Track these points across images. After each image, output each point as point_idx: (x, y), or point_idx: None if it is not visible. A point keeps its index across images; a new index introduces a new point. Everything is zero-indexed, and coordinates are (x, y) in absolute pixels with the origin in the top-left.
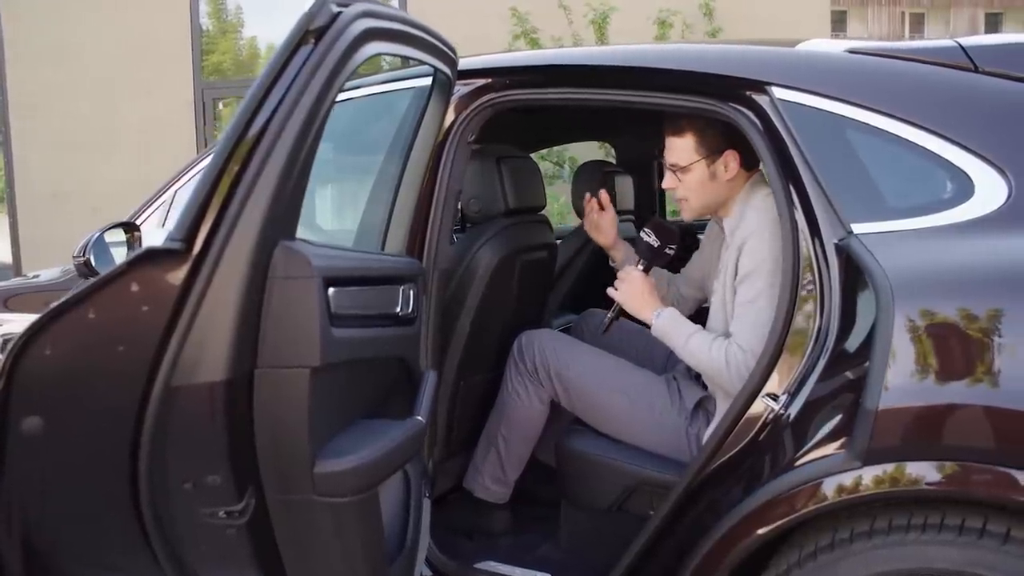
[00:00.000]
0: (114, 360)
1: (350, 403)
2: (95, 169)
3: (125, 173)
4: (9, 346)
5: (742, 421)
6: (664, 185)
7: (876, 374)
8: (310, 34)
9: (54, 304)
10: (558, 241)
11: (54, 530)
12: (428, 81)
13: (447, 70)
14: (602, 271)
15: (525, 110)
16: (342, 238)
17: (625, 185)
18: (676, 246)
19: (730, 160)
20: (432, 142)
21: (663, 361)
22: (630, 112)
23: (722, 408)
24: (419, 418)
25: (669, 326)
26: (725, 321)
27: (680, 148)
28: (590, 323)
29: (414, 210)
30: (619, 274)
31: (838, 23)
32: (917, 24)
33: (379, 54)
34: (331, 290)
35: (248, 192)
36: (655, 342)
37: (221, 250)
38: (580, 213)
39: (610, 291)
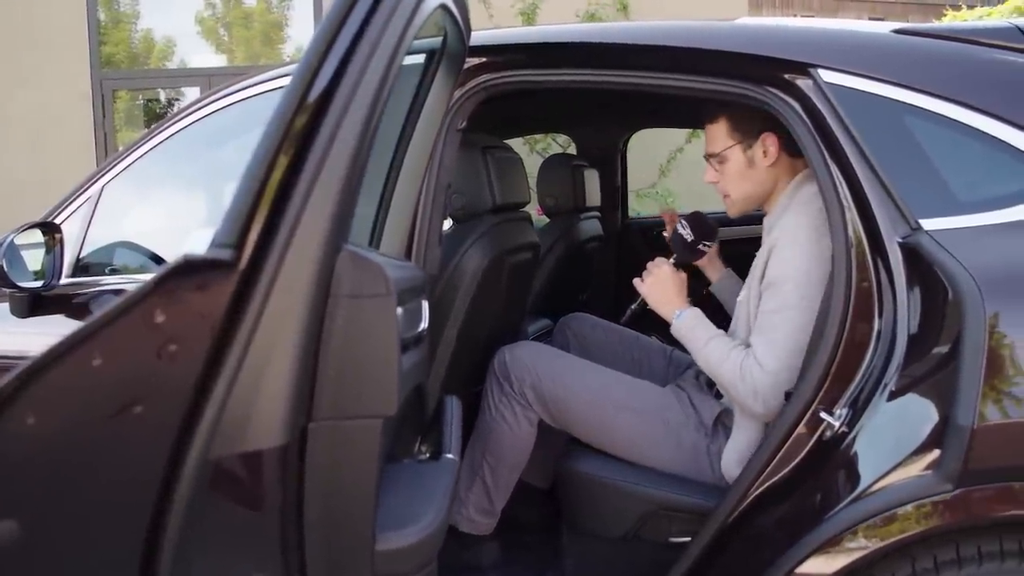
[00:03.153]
0: (130, 428)
1: (384, 448)
2: None
3: (16, 169)
4: None
5: (792, 439)
6: (706, 179)
7: (968, 385)
8: None
9: (39, 352)
10: None
11: None
12: (422, 58)
13: (464, 39)
14: (574, 272)
15: (516, 94)
16: None
17: (592, 180)
18: (712, 243)
19: (768, 144)
20: (437, 125)
21: (663, 373)
22: (602, 99)
23: (742, 422)
24: (451, 456)
25: (688, 327)
26: (748, 326)
27: (714, 135)
28: (574, 327)
29: (414, 207)
30: (648, 265)
31: None
32: None
33: (440, 7)
34: (398, 310)
35: (314, 178)
36: (653, 351)
37: (280, 259)
38: (546, 210)
39: (636, 282)
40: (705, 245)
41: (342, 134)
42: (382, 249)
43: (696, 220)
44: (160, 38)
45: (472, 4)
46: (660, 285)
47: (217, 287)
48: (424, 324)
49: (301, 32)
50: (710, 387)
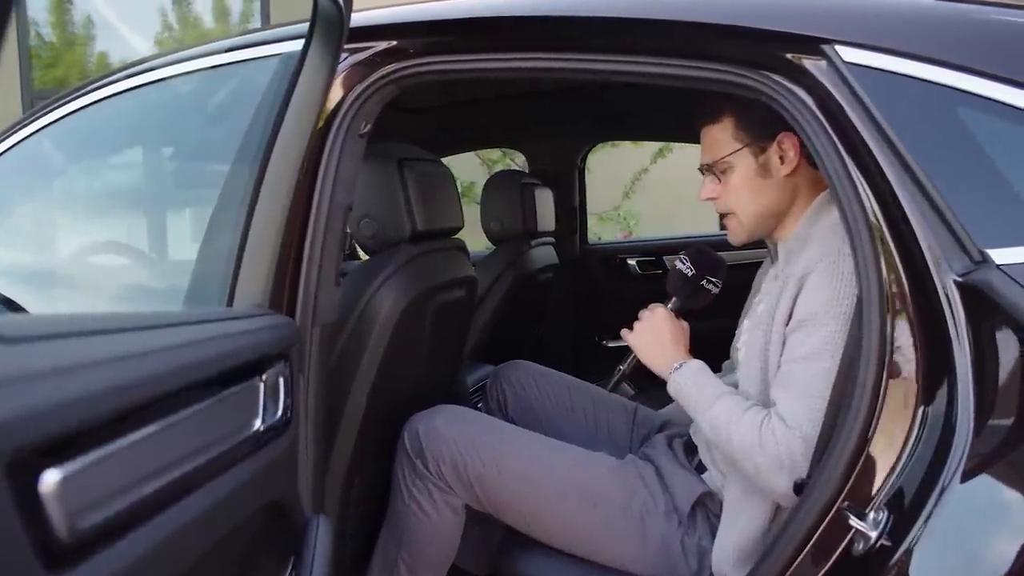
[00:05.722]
0: None
1: None
2: None
3: None
4: None
5: (807, 553)
6: (702, 195)
7: None
8: None
9: None
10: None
11: None
12: (299, 45)
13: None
14: (524, 308)
15: (455, 100)
16: (171, 298)
17: (545, 200)
18: (720, 280)
19: (787, 147)
20: (311, 120)
21: (625, 435)
22: (556, 105)
23: (743, 506)
24: None
25: (690, 383)
26: (761, 379)
27: (716, 138)
28: (513, 379)
29: (282, 235)
30: (640, 312)
31: None
32: None
33: None
34: (50, 477)
35: None
36: (614, 407)
37: None
38: (491, 235)
39: (624, 333)
40: (711, 283)
41: None
42: (238, 297)
43: (697, 253)
44: (116, 60)
45: None
46: (654, 333)
47: None
48: (267, 415)
49: None
50: (690, 455)
